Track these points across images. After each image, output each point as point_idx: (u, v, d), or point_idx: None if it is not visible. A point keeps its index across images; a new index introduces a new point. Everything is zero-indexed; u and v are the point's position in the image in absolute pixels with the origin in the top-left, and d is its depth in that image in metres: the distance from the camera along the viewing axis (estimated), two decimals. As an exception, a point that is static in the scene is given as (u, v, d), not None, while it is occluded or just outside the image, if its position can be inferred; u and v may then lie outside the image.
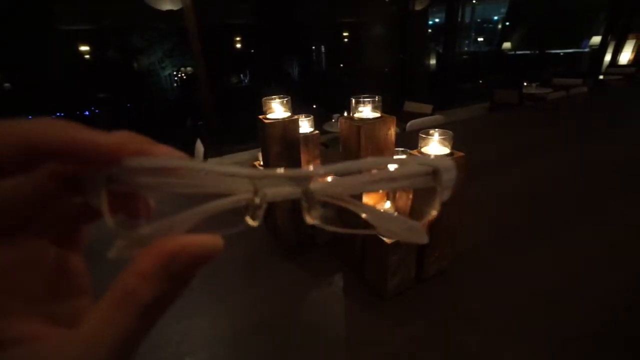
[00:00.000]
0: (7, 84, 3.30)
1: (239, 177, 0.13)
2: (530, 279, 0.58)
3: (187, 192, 0.13)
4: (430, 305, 0.53)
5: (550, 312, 0.51)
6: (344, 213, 0.15)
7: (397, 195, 0.54)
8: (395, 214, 0.16)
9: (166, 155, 0.13)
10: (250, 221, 0.13)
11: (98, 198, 0.12)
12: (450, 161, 0.15)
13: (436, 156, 0.14)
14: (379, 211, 0.16)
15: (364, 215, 0.15)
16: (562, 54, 6.20)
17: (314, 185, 0.14)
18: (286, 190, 0.14)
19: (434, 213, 0.15)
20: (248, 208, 0.13)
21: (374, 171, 0.14)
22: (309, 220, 0.14)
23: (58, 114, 3.66)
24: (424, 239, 0.15)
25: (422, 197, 0.17)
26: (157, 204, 0.15)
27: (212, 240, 0.12)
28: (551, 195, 0.87)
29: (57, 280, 0.13)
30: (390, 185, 0.15)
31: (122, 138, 0.12)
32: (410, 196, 0.49)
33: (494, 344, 0.46)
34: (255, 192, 0.13)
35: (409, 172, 0.15)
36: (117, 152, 0.11)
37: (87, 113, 3.84)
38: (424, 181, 0.15)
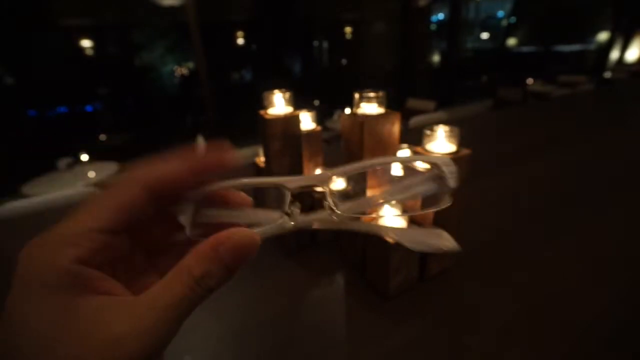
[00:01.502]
0: (9, 79, 3.30)
1: (276, 186, 0.17)
2: (533, 279, 0.57)
3: (238, 222, 0.17)
4: (433, 305, 0.52)
5: (554, 314, 0.50)
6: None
7: None
8: (417, 227, 0.17)
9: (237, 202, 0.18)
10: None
11: (186, 217, 0.16)
12: (447, 157, 0.17)
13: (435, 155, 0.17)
14: (404, 230, 0.17)
15: (389, 238, 0.17)
16: (567, 51, 6.12)
17: (341, 209, 0.16)
18: (315, 218, 0.17)
19: (448, 202, 0.17)
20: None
21: (387, 187, 0.17)
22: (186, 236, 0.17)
23: (60, 109, 3.66)
24: (454, 246, 0.17)
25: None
26: None
27: (250, 234, 0.15)
28: (556, 194, 0.86)
29: (130, 265, 0.17)
30: (407, 194, 0.17)
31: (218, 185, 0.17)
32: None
33: (497, 345, 0.45)
34: (287, 214, 0.17)
35: (418, 177, 0.17)
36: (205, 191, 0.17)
37: (89, 109, 3.84)
38: (434, 183, 0.17)
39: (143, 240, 0.17)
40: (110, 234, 0.15)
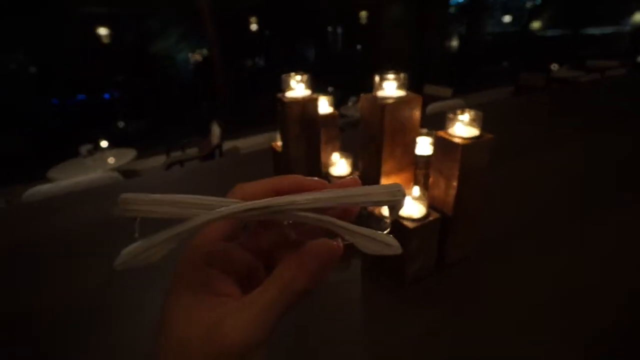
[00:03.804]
0: (32, 68, 3.39)
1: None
2: (556, 269, 0.55)
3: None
4: (450, 293, 0.51)
5: (576, 305, 0.48)
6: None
7: (432, 181, 0.51)
8: (371, 231, 0.15)
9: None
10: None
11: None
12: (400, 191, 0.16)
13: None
14: (356, 229, 0.16)
15: (336, 231, 0.16)
16: (598, 33, 5.75)
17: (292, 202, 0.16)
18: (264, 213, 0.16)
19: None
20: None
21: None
22: (292, 237, 0.18)
23: (80, 96, 3.76)
24: (399, 251, 0.17)
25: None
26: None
27: (332, 245, 0.17)
28: (580, 183, 0.82)
29: (247, 271, 0.19)
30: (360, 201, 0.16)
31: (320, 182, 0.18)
32: (455, 184, 0.46)
33: (514, 335, 0.44)
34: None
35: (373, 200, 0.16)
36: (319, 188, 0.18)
37: (107, 96, 3.92)
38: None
39: (263, 256, 0.20)
40: (226, 239, 0.18)
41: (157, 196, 0.16)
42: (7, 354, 0.47)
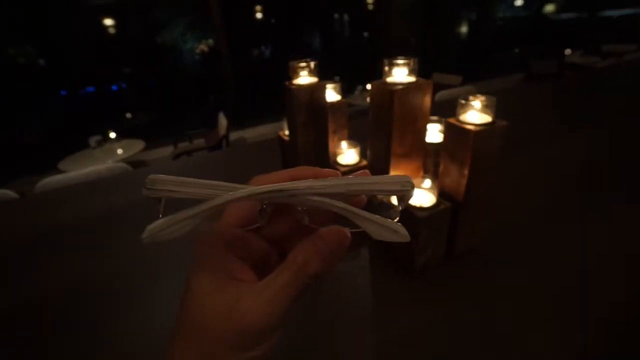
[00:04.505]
0: (41, 60, 3.41)
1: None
2: (566, 260, 0.54)
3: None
4: (459, 283, 0.51)
5: (585, 296, 0.47)
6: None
7: (442, 169, 0.50)
8: (380, 218, 0.16)
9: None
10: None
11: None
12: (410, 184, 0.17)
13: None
14: (367, 215, 0.17)
15: (348, 216, 0.17)
16: (615, 16, 5.50)
17: (301, 187, 0.16)
18: (277, 195, 0.16)
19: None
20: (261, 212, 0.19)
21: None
22: (305, 221, 0.18)
23: (89, 89, 3.78)
24: (407, 239, 0.17)
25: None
26: None
27: (342, 232, 0.17)
28: (593, 173, 0.80)
29: (262, 258, 0.20)
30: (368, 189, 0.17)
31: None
32: (466, 172, 0.45)
33: (523, 326, 0.44)
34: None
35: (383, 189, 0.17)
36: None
37: (114, 88, 3.93)
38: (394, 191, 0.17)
39: (277, 245, 0.21)
40: (241, 227, 0.19)
41: (183, 178, 0.17)
42: (16, 344, 0.48)
